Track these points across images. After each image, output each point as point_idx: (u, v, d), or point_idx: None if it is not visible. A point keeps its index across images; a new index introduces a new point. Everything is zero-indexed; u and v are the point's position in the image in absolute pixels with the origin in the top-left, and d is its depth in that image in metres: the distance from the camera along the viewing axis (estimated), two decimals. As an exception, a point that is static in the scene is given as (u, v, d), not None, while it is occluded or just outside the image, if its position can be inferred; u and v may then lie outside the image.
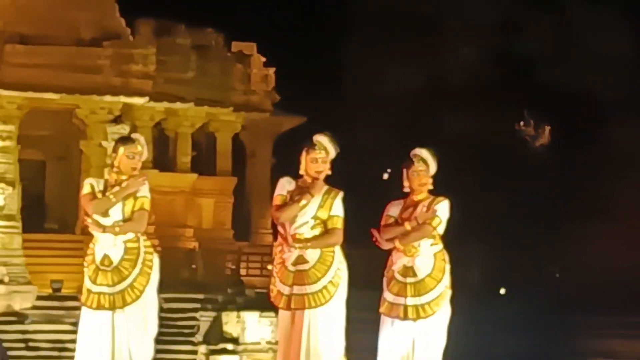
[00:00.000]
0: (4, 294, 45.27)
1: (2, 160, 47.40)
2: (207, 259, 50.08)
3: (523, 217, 46.95)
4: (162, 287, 13.53)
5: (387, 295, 13.68)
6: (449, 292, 13.69)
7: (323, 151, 13.07)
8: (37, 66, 48.81)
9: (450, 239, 13.68)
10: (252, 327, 44.39)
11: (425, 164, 13.46)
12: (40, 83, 48.50)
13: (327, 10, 52.98)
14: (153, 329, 13.14)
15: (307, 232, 13.08)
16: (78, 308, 13.24)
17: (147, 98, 49.55)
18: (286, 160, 53.64)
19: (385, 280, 13.77)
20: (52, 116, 50.26)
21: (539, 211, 47.48)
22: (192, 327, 44.77)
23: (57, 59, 49.14)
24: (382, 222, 13.77)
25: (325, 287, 13.12)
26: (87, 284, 12.90)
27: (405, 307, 13.50)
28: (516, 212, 46.71)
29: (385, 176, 51.03)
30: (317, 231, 13.19)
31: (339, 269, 13.23)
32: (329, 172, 13.09)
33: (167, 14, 53.06)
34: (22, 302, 45.47)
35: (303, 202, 13.06)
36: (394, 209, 13.73)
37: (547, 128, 49.49)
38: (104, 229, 12.83)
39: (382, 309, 13.73)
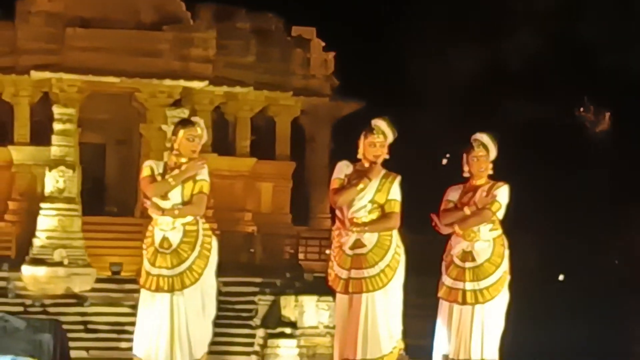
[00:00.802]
0: (64, 277, 45.56)
1: (62, 143, 47.55)
2: (266, 243, 50.16)
3: (582, 203, 46.84)
4: (221, 271, 13.51)
5: (446, 280, 13.65)
6: (507, 278, 13.68)
7: (381, 135, 13.04)
8: (97, 49, 49.27)
9: (509, 225, 13.60)
10: (310, 311, 44.47)
11: (485, 149, 13.47)
12: (100, 66, 48.97)
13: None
14: (211, 311, 13.09)
15: (364, 216, 13.05)
16: (137, 291, 13.20)
17: (206, 82, 49.90)
18: (345, 145, 53.60)
19: (444, 264, 13.73)
20: (112, 100, 50.68)
21: (598, 197, 47.41)
22: (250, 310, 44.77)
23: (117, 42, 49.55)
24: (442, 207, 13.73)
25: (382, 271, 13.09)
26: (146, 266, 12.87)
27: (464, 291, 13.50)
28: (575, 197, 46.65)
29: (445, 161, 51.10)
30: (375, 215, 13.17)
31: (396, 253, 13.19)
32: (387, 157, 13.05)
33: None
34: (82, 284, 45.70)
35: (361, 186, 13.04)
36: (453, 194, 13.69)
37: (607, 114, 49.25)
38: (163, 211, 12.81)
39: (440, 293, 13.67)
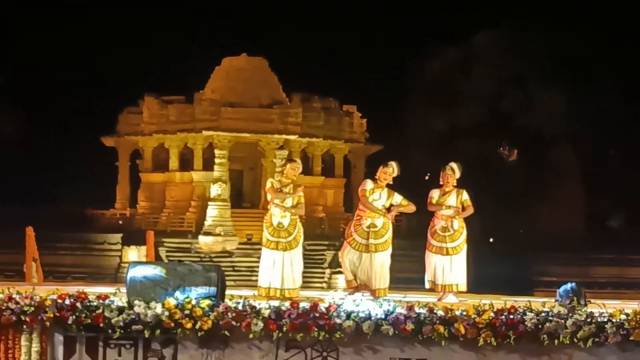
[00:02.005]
0: (221, 242, 46.30)
1: (220, 169, 48.35)
2: (330, 222, 50.34)
3: (501, 197, 46.46)
4: (306, 238, 14.01)
5: (433, 242, 13.50)
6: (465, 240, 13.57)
7: (392, 169, 13.13)
8: (238, 119, 49.86)
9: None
10: None
11: (453, 170, 13.37)
12: (240, 128, 49.56)
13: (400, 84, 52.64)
14: (301, 260, 13.32)
15: (381, 209, 13.13)
16: (261, 249, 13.65)
17: (297, 136, 50.44)
18: (372, 170, 53.94)
19: (429, 234, 13.57)
20: (246, 146, 50.99)
21: (509, 193, 46.97)
22: (322, 259, 44.81)
23: (248, 115, 50.14)
24: (429, 201, 13.54)
25: (386, 241, 13.10)
26: (267, 236, 12.95)
27: (447, 248, 13.32)
28: (499, 194, 46.03)
29: (427, 177, 50.86)
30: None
31: (391, 231, 13.26)
32: (391, 182, 13.17)
33: (308, 89, 52.98)
34: (231, 245, 46.30)
35: (376, 194, 13.17)
36: (435, 193, 13.50)
37: (515, 151, 48.83)
38: (284, 209, 13.06)
39: (430, 249, 13.50)
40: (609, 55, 46.99)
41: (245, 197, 52.64)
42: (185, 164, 51.53)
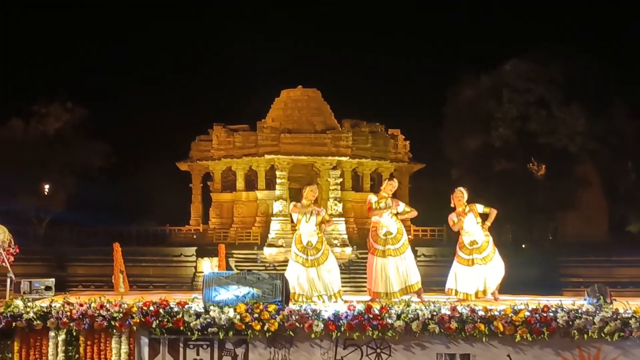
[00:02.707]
0: (283, 252, 45.32)
1: (281, 188, 48.30)
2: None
3: (531, 211, 46.17)
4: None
5: (462, 254, 13.28)
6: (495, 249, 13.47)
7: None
8: (296, 144, 49.63)
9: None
10: None
11: (462, 192, 13.37)
12: (297, 152, 49.38)
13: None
14: (337, 269, 12.94)
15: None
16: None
17: (348, 157, 50.10)
18: (415, 185, 53.89)
19: (458, 246, 13.38)
20: (303, 167, 50.83)
21: (539, 208, 46.57)
22: None
23: (305, 140, 49.81)
24: (450, 224, 13.44)
25: (403, 244, 12.95)
26: (296, 251, 12.82)
27: (473, 260, 13.11)
28: (526, 209, 45.69)
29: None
30: (396, 218, 13.25)
31: (406, 236, 13.14)
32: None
33: (357, 116, 53.01)
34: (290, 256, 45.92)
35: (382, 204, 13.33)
36: (454, 217, 13.34)
37: (544, 166, 48.34)
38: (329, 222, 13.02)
39: (459, 261, 13.26)
40: (621, 79, 46.76)
41: (303, 212, 52.30)
42: (250, 184, 51.49)
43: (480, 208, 13.39)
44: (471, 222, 13.40)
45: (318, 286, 12.66)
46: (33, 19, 63.68)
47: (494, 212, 13.32)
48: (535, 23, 63.86)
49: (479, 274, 13.21)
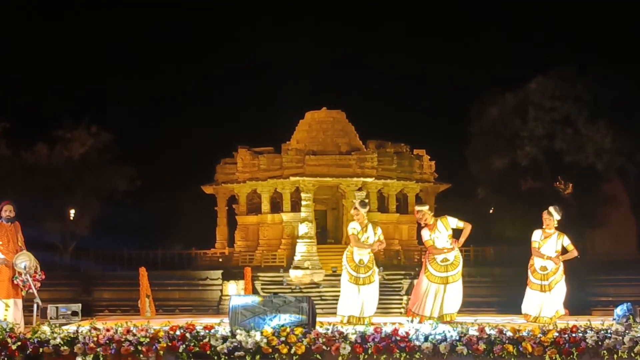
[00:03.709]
0: (309, 274, 45.80)
1: (306, 210, 48.40)
2: (405, 254, 49.82)
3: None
4: (385, 268, 13.92)
5: (534, 280, 13.31)
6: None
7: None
8: (320, 165, 49.74)
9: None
10: None
11: (550, 214, 13.39)
12: (322, 173, 49.49)
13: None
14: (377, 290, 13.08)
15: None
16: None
17: (373, 178, 50.11)
18: (441, 206, 53.71)
19: (530, 271, 13.39)
20: (328, 188, 50.99)
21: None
22: (399, 287, 43.63)
23: (330, 162, 49.96)
24: (532, 245, 13.36)
25: (459, 272, 12.97)
26: (349, 270, 12.91)
27: (545, 285, 13.16)
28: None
29: (491, 211, 50.27)
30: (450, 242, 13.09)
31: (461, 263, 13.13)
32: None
33: (382, 136, 53.11)
34: (318, 277, 45.81)
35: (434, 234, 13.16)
36: (536, 234, 13.39)
37: (570, 185, 48.04)
38: (364, 246, 13.02)
39: (531, 286, 13.30)
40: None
41: (329, 233, 52.42)
42: (276, 206, 51.63)
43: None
44: (551, 247, 13.48)
45: (369, 305, 12.85)
46: (58, 44, 64.22)
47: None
48: (560, 40, 63.74)
49: (550, 298, 13.36)
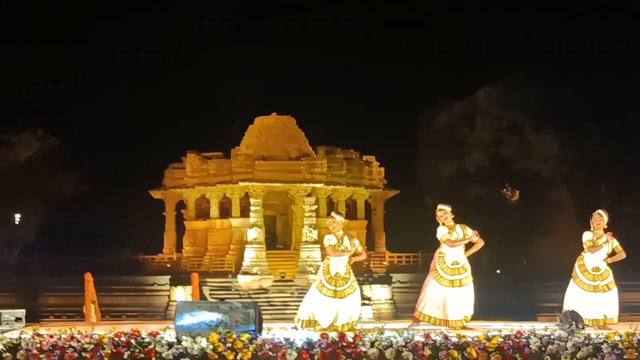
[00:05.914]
0: (258, 280, 45.74)
1: (255, 216, 48.11)
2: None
3: (505, 236, 46.17)
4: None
5: (583, 279, 13.71)
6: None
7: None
8: (270, 171, 49.48)
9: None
10: (377, 291, 44.16)
11: (600, 215, 13.81)
12: (272, 179, 49.26)
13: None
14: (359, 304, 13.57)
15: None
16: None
17: (323, 184, 50.05)
18: (390, 212, 54.03)
19: (579, 271, 13.76)
20: (277, 194, 50.82)
21: (513, 234, 46.66)
22: None
23: (280, 167, 49.73)
24: (587, 245, 13.77)
25: (468, 276, 13.49)
26: (323, 282, 13.29)
27: (597, 286, 13.57)
28: (500, 235, 45.82)
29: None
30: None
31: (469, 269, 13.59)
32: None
33: (332, 142, 53.00)
34: (266, 283, 45.76)
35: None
36: (587, 235, 13.83)
37: (517, 192, 48.55)
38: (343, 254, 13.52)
39: (581, 286, 13.62)
40: (591, 103, 47.14)
41: (278, 239, 52.26)
42: (225, 212, 51.30)
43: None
44: (599, 256, 13.88)
45: (342, 316, 13.21)
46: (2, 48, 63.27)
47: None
48: (507, 48, 64.28)
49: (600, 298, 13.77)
